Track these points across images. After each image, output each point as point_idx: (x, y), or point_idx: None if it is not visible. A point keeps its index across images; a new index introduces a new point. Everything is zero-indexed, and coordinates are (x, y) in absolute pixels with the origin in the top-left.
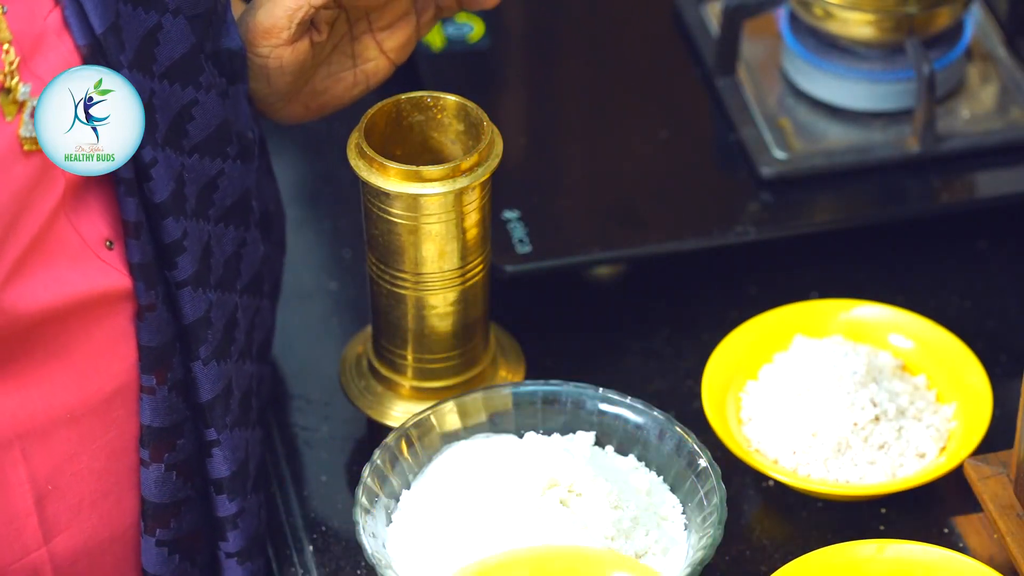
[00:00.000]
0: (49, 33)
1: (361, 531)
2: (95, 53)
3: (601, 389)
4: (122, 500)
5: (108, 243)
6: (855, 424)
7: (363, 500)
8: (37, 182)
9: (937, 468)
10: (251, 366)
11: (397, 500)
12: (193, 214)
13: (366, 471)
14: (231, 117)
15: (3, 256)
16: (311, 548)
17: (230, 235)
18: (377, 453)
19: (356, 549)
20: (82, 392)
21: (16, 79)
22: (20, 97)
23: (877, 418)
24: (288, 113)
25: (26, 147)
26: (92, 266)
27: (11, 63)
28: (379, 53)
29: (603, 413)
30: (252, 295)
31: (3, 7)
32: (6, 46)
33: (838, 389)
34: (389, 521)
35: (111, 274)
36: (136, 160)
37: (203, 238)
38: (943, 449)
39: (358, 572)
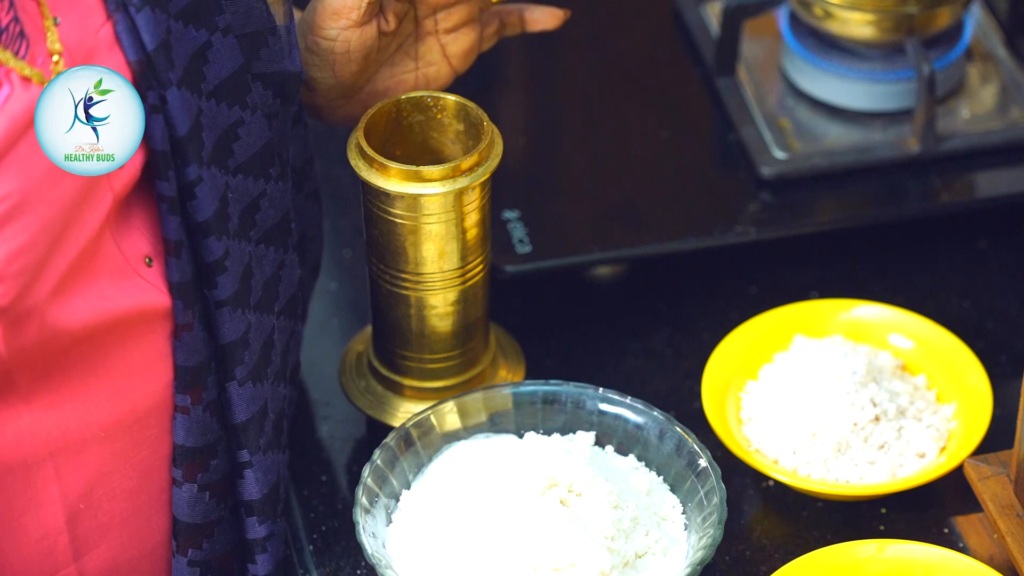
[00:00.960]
0: (101, 47)
1: (361, 531)
2: (145, 69)
3: (601, 389)
4: (152, 519)
5: (148, 260)
6: (855, 424)
7: (363, 500)
8: (84, 197)
9: (937, 468)
10: (285, 388)
11: (397, 500)
12: (235, 234)
13: (366, 471)
14: (276, 138)
15: (50, 271)
16: (311, 548)
17: (270, 256)
18: (377, 453)
19: (356, 549)
20: (116, 410)
21: None
22: None
23: (877, 418)
24: (347, 112)
25: None
26: (132, 284)
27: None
28: (442, 57)
29: (603, 413)
30: (288, 317)
31: (56, 18)
32: (56, 58)
33: (838, 389)
34: (389, 521)
35: (150, 292)
36: (180, 178)
37: (244, 259)
38: (943, 449)
39: (358, 572)
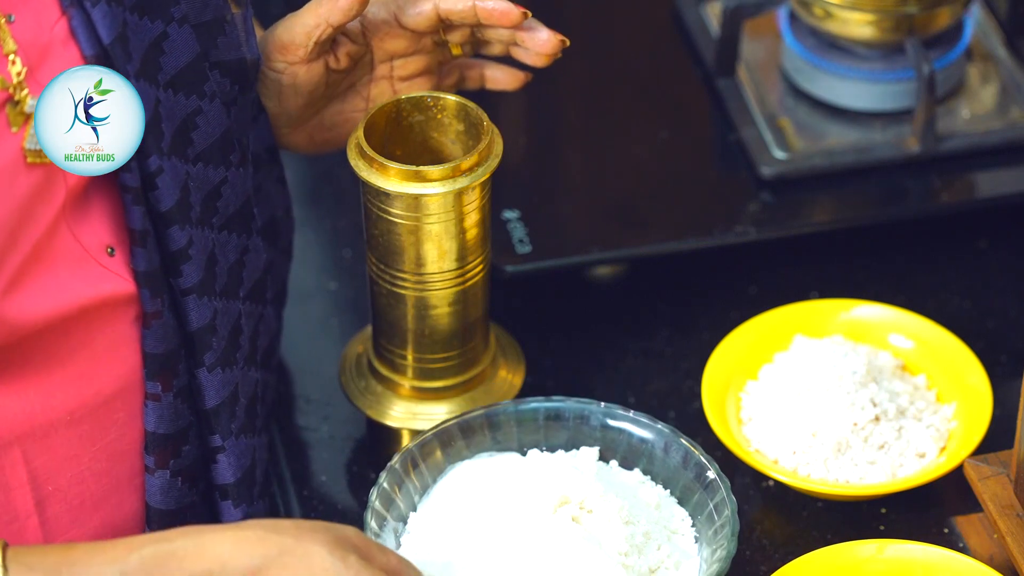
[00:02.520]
0: (55, 43)
1: None
2: (102, 63)
3: (604, 404)
4: (124, 503)
5: (109, 250)
6: (855, 424)
7: (372, 524)
8: (39, 192)
9: (937, 468)
10: (256, 373)
11: (405, 523)
12: (198, 222)
13: (373, 494)
14: (235, 125)
15: (3, 267)
16: None
17: (233, 242)
18: (383, 476)
19: None
20: (82, 395)
21: (25, 91)
22: (27, 109)
23: (877, 418)
24: (293, 140)
25: (29, 159)
26: (93, 273)
27: (18, 74)
28: None
29: (607, 428)
30: (255, 302)
31: (10, 16)
32: (12, 56)
33: (838, 389)
34: (399, 544)
35: (113, 280)
36: (142, 169)
37: (208, 246)
38: (943, 449)
39: None
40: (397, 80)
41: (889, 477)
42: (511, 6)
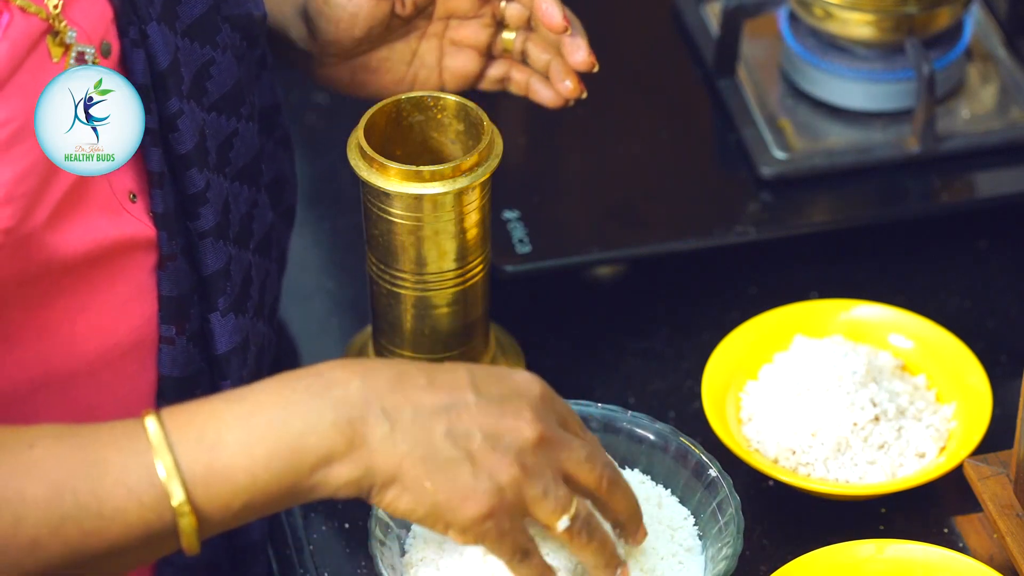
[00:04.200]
0: None
1: (380, 564)
2: (126, 5)
3: (602, 405)
4: None
5: (132, 196)
6: (855, 424)
7: (377, 532)
8: None
9: (937, 468)
10: (264, 326)
11: (408, 529)
12: (214, 168)
13: None
14: (244, 79)
15: (48, 197)
16: (311, 548)
17: (244, 194)
18: None
19: (356, 549)
20: (102, 345)
21: (63, 22)
22: (67, 40)
23: (877, 418)
24: (334, 73)
25: None
26: (120, 217)
27: (55, 6)
28: (436, 65)
29: (606, 428)
30: (263, 256)
31: None
32: None
33: (838, 389)
34: (403, 551)
35: (136, 225)
36: (162, 111)
37: (223, 193)
38: (943, 449)
39: (358, 572)
40: (448, 43)
41: (889, 477)
42: (561, 11)
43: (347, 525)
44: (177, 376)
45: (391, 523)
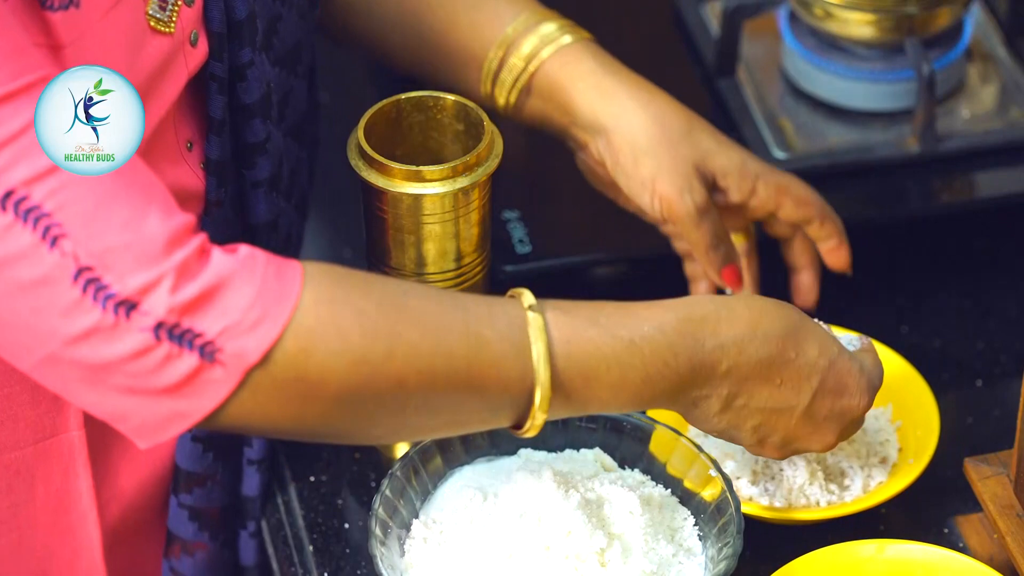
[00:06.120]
0: None
1: (380, 564)
2: None
3: None
4: None
5: (188, 144)
6: (816, 455)
7: (377, 532)
8: (165, 67)
9: (920, 460)
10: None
11: (408, 529)
12: (275, 121)
13: (376, 502)
14: (304, 38)
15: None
16: (311, 548)
17: (294, 151)
18: (386, 484)
19: (356, 549)
20: None
21: None
22: None
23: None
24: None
25: (153, 24)
26: (178, 166)
27: None
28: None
29: (606, 428)
30: (300, 213)
31: None
32: None
33: None
34: (403, 552)
35: (188, 175)
36: (233, 59)
37: (279, 146)
38: (901, 450)
39: (358, 572)
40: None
41: (863, 489)
42: (848, 256)
43: (347, 525)
44: None
45: (391, 523)
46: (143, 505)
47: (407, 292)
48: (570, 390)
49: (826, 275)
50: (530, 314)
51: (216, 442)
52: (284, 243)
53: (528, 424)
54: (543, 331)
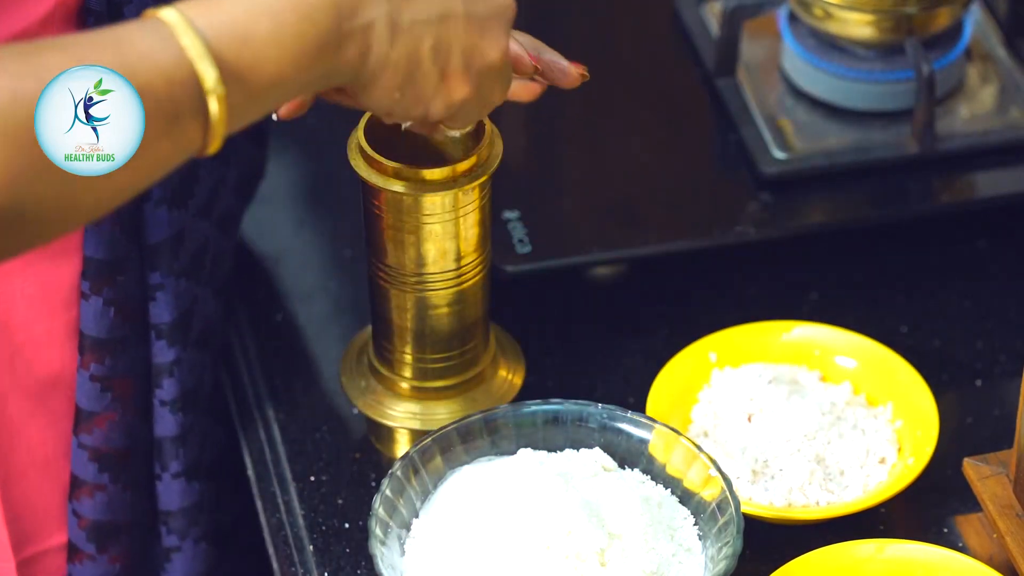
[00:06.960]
0: None
1: (380, 563)
2: None
3: (602, 405)
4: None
5: None
6: (815, 455)
7: (377, 531)
8: None
9: (922, 458)
10: (210, 229)
11: (408, 529)
12: None
13: (376, 502)
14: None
15: None
16: (311, 548)
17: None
18: (386, 483)
19: (356, 549)
20: None
21: None
22: None
23: (829, 440)
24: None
25: None
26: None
27: None
28: None
29: (606, 429)
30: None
31: None
32: None
33: (783, 419)
34: (403, 552)
35: None
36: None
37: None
38: (900, 451)
39: (358, 572)
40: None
41: (862, 489)
42: (569, 66)
43: (347, 525)
44: (100, 259)
45: (391, 523)
46: (43, 445)
47: (40, 50)
48: (231, 59)
49: (826, 275)
50: (160, 13)
51: (115, 383)
52: (182, 184)
53: (215, 121)
54: (176, 11)
